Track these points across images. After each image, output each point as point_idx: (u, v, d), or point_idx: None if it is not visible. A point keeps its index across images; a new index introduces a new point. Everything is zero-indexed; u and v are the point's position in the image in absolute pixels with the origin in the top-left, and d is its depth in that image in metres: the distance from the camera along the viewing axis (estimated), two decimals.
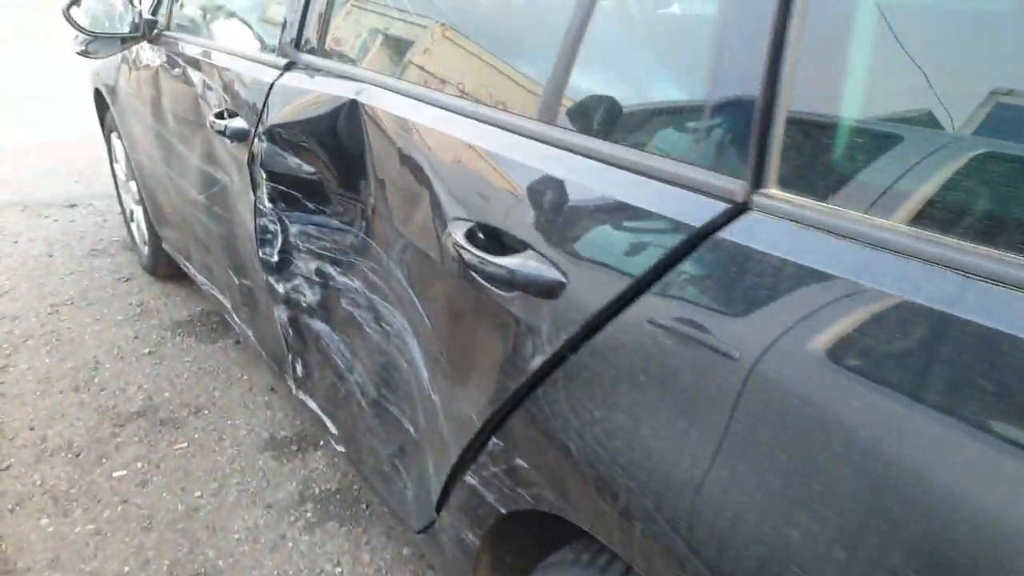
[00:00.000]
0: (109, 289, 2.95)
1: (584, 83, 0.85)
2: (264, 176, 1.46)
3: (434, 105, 1.04)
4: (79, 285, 2.98)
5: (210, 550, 1.71)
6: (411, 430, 1.26)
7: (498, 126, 0.92)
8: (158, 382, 2.33)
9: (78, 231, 3.51)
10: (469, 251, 0.88)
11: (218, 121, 1.57)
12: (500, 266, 0.83)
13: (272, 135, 1.42)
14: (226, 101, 1.63)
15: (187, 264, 2.44)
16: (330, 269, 1.40)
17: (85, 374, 2.36)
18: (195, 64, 1.85)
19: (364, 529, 1.77)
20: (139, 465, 1.96)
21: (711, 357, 0.62)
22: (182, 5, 2.09)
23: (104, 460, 1.97)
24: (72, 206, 3.83)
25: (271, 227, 1.52)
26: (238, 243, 1.79)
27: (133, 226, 3.11)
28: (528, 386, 0.82)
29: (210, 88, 1.73)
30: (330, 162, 1.29)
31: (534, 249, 0.81)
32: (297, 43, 1.43)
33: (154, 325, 2.68)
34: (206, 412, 2.19)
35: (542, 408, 0.80)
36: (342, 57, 1.35)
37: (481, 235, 0.89)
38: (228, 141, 1.57)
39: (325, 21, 1.36)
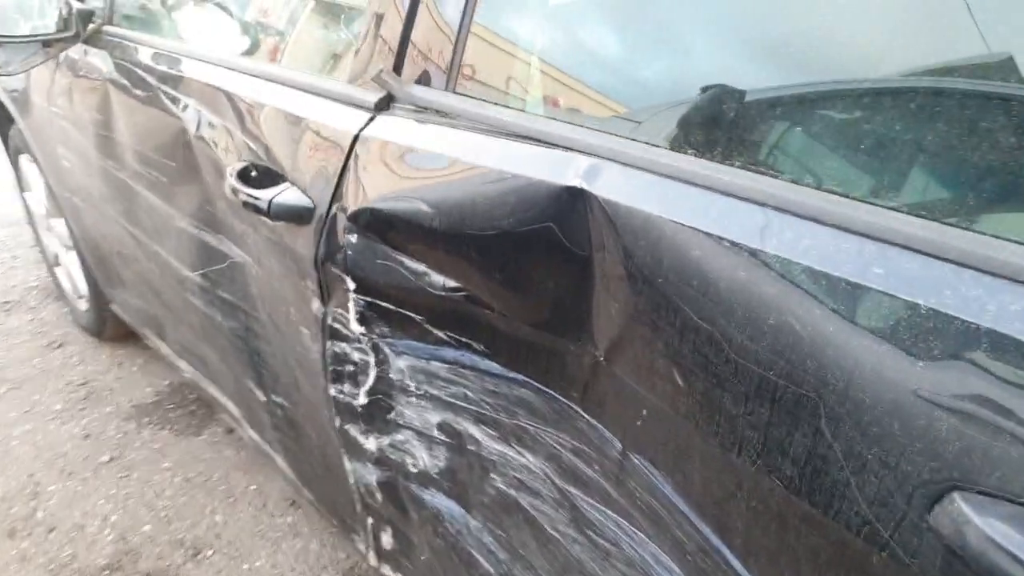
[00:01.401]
0: (37, 361, 2.26)
1: None
2: (351, 285, 0.89)
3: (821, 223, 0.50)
4: None
5: None
6: None
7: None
8: (131, 508, 1.71)
9: None
10: None
11: (245, 189, 0.98)
12: None
13: (367, 222, 0.85)
14: (253, 150, 1.03)
15: (157, 340, 1.81)
16: (473, 430, 0.86)
17: (22, 507, 1.71)
18: (176, 83, 1.23)
19: None
20: None
21: None
22: None
23: None
24: None
25: (356, 357, 0.96)
26: (271, 354, 1.21)
27: (60, 272, 2.41)
28: None
29: (213, 124, 1.13)
30: (501, 279, 0.74)
31: None
32: (398, 67, 0.85)
33: (109, 414, 2.03)
34: (210, 553, 1.60)
35: None
36: (521, 100, 0.78)
37: None
38: (267, 220, 0.98)
39: (461, 35, 0.79)
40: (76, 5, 1.46)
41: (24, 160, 2.26)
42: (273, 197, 0.93)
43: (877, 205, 0.49)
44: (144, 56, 1.35)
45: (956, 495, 0.42)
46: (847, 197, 0.51)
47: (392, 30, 0.86)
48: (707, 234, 0.54)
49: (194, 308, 1.43)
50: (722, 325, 0.54)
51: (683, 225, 0.56)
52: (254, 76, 1.06)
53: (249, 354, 1.30)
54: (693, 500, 0.62)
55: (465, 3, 0.78)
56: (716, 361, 0.55)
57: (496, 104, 0.76)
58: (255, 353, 1.28)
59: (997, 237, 0.44)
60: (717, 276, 0.53)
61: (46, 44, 1.48)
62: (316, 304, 0.98)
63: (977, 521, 0.40)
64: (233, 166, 1.05)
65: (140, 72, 1.33)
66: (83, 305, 2.30)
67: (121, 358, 2.27)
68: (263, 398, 1.32)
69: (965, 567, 0.41)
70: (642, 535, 0.70)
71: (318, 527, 1.67)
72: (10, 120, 2.20)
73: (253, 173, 1.03)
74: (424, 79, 0.83)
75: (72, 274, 2.25)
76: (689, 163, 0.59)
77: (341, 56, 0.99)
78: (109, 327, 2.23)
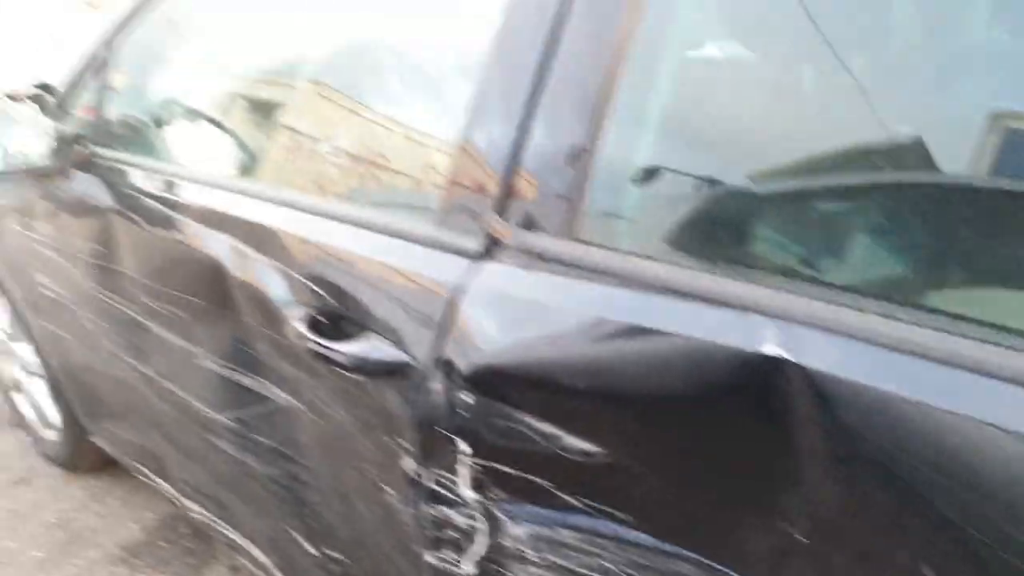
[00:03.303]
0: (3, 503, 2.04)
1: None
2: (464, 448, 0.80)
3: None
4: None
5: None
6: None
7: None
8: None
9: None
10: None
11: (320, 340, 0.88)
12: None
13: (483, 381, 0.77)
14: (318, 294, 0.94)
15: (155, 477, 1.65)
16: None
17: None
18: (207, 216, 1.13)
19: None
20: None
21: None
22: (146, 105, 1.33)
23: None
24: None
25: (461, 522, 0.86)
26: (326, 507, 1.09)
27: (21, 399, 2.21)
28: None
29: (260, 264, 1.03)
30: (663, 446, 0.67)
31: None
32: (501, 208, 0.78)
33: (96, 560, 1.83)
34: None
35: None
36: (667, 250, 0.69)
37: None
38: (347, 372, 0.88)
39: (588, 170, 0.72)
40: (64, 130, 1.35)
41: None
42: (361, 352, 0.84)
43: None
44: (153, 184, 1.25)
45: None
46: None
47: (493, 162, 0.79)
48: (977, 420, 0.49)
49: (218, 451, 1.30)
50: (1005, 519, 0.48)
51: (942, 410, 0.50)
52: (314, 214, 0.98)
53: (294, 504, 1.18)
54: None
55: (591, 130, 0.72)
56: (1000, 558, 0.49)
57: (639, 256, 0.69)
58: (302, 503, 1.16)
59: None
60: (999, 471, 0.48)
61: (36, 173, 1.35)
62: (409, 464, 0.88)
63: None
64: (296, 311, 0.96)
65: (152, 202, 1.23)
66: (52, 435, 2.09)
67: (96, 491, 2.07)
68: (312, 551, 1.19)
69: None
70: None
71: None
72: None
73: (323, 321, 0.93)
74: (534, 222, 0.76)
75: (38, 402, 2.06)
76: (924, 336, 0.53)
77: (419, 190, 0.92)
78: (85, 459, 2.03)
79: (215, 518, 1.48)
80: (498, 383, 0.76)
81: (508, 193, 0.77)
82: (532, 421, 0.74)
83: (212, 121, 1.28)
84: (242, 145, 1.22)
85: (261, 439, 1.17)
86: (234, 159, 1.23)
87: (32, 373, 2.03)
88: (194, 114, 1.32)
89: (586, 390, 0.69)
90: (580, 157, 0.71)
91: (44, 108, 1.30)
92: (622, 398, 0.66)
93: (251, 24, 1.24)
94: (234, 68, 1.23)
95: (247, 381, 1.14)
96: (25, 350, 1.99)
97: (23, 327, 1.90)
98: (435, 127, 0.91)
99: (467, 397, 0.78)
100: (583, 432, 0.71)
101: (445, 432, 0.81)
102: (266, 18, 1.20)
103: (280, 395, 1.09)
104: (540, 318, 0.71)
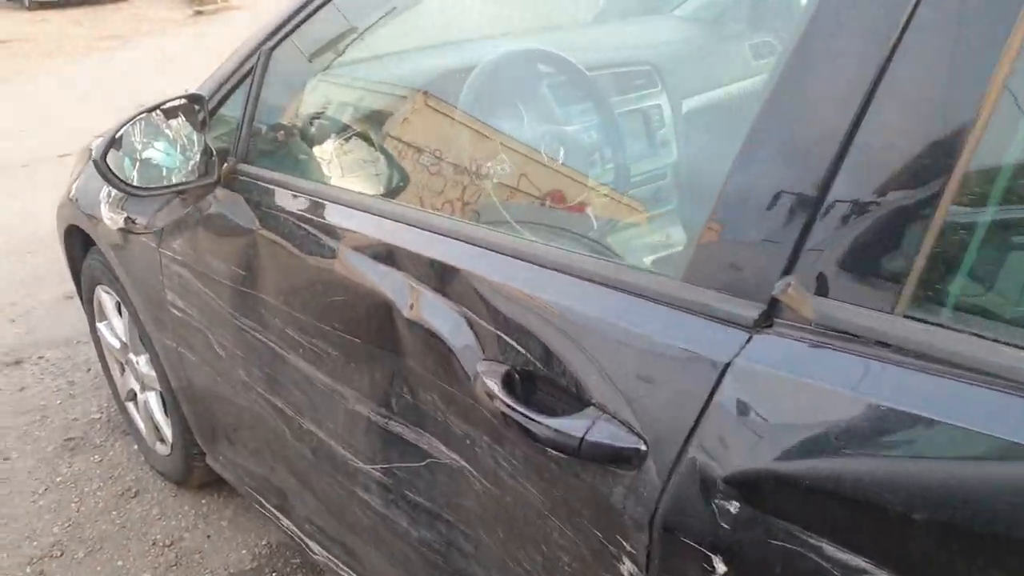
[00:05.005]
0: (114, 515, 1.99)
1: None
2: (719, 568, 0.64)
3: None
4: (65, 513, 2.00)
5: None
6: None
7: None
8: None
9: (36, 406, 2.50)
10: None
11: (525, 411, 0.74)
12: None
13: (760, 489, 0.61)
14: (523, 354, 0.80)
15: (275, 512, 1.55)
16: None
17: None
18: (373, 250, 1.01)
19: None
20: None
21: None
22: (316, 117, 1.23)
23: None
24: (17, 363, 2.79)
25: None
26: None
27: (132, 408, 2.16)
28: None
29: (444, 308, 0.90)
30: None
31: None
32: (790, 270, 0.62)
33: None
34: None
35: None
36: None
37: None
38: (557, 451, 0.74)
39: (930, 225, 0.56)
40: (210, 144, 1.26)
41: (101, 291, 2.04)
42: (585, 434, 0.70)
43: None
44: (307, 206, 1.14)
45: None
46: None
47: (782, 213, 0.63)
48: None
49: (358, 500, 1.18)
50: None
51: None
52: (517, 257, 0.84)
53: (447, 572, 1.04)
54: None
55: (927, 187, 0.55)
56: None
57: (1002, 343, 0.52)
58: (458, 574, 1.02)
59: None
60: None
61: (181, 193, 1.27)
62: (628, 568, 0.73)
63: None
64: (485, 366, 0.82)
65: (304, 226, 1.12)
66: (163, 449, 2.04)
67: (205, 510, 2.00)
68: None
69: None
70: None
71: None
72: (85, 248, 2.01)
73: (519, 380, 0.79)
74: (840, 290, 0.60)
75: (154, 417, 2.00)
76: None
77: (665, 241, 0.77)
78: (195, 477, 1.97)
79: (341, 564, 1.37)
80: (780, 492, 0.60)
81: (800, 252, 0.61)
82: (826, 546, 0.58)
83: (375, 142, 1.16)
84: (417, 171, 1.10)
85: (415, 497, 1.05)
86: (410, 186, 1.11)
87: (148, 387, 1.98)
88: (359, 133, 1.21)
89: (919, 516, 0.52)
90: (912, 218, 0.54)
91: (192, 121, 1.21)
92: (981, 528, 0.49)
93: (423, 38, 1.11)
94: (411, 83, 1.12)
95: (405, 433, 1.02)
96: (143, 363, 1.94)
97: (143, 341, 1.84)
98: (694, 171, 0.76)
99: (731, 506, 0.62)
100: (905, 568, 0.55)
101: (691, 543, 0.65)
102: (441, 33, 1.08)
103: (445, 453, 0.96)
104: (849, 412, 0.55)
